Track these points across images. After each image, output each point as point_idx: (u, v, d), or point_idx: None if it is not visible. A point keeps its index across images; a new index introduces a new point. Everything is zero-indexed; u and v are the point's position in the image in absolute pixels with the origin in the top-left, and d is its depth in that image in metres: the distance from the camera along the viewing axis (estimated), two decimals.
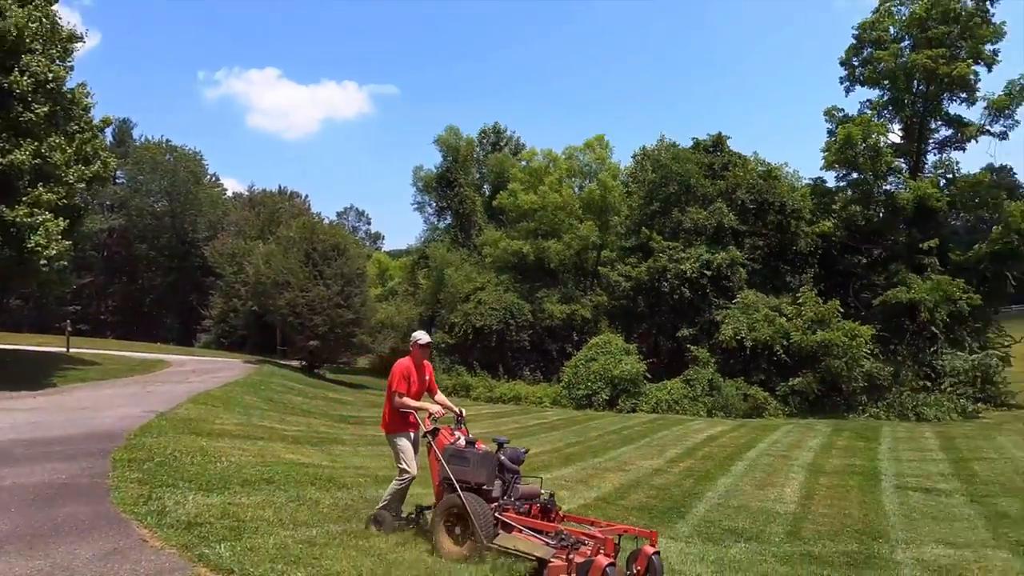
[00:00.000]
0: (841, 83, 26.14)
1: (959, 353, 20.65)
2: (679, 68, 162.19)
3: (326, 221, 35.38)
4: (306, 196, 41.13)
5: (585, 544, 3.96)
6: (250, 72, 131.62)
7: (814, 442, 14.19)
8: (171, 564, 3.37)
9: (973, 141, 24.24)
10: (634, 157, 32.36)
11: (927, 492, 9.45)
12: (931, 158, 25.31)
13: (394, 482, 5.09)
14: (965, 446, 13.62)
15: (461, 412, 5.18)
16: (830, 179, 26.84)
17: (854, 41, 25.12)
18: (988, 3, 22.38)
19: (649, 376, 22.36)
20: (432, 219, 39.49)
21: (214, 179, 48.66)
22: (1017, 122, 23.36)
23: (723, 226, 24.16)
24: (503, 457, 4.70)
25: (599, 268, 29.71)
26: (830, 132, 25.57)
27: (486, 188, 38.52)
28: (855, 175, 25.00)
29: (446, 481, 4.58)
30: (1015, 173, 62.79)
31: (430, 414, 4.95)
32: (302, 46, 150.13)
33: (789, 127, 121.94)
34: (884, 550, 6.61)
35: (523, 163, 32.69)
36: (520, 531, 4.23)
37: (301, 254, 22.76)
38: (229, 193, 52.12)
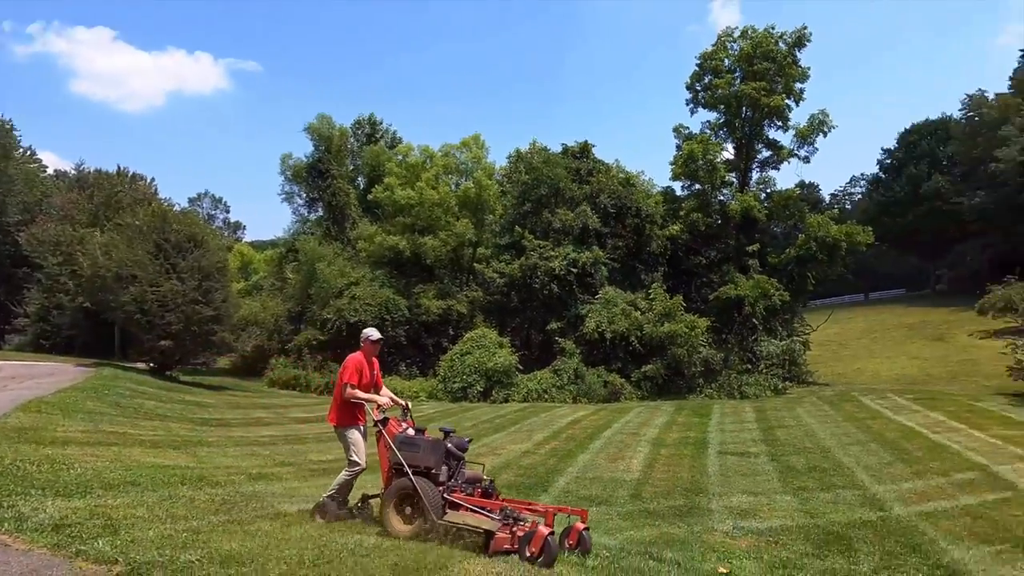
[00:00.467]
0: (687, 104, 29.72)
1: (772, 340, 24.67)
2: (554, 76, 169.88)
3: (177, 208, 32.07)
4: (152, 179, 36.74)
5: (526, 520, 4.53)
6: (75, 30, 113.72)
7: (659, 420, 16.23)
8: (44, 562, 3.34)
9: (786, 162, 29.03)
10: (509, 158, 33.63)
11: (741, 455, 11.45)
12: (755, 175, 29.80)
13: (343, 473, 5.30)
14: (773, 417, 16.44)
15: (407, 405, 5.53)
16: (677, 188, 30.48)
17: (697, 68, 28.71)
18: (797, 50, 26.98)
19: (521, 368, 23.68)
20: (302, 210, 37.62)
21: (28, 153, 41.55)
22: (817, 149, 28.45)
23: (588, 228, 26.22)
24: (449, 445, 5.03)
25: (475, 264, 30.56)
26: (677, 147, 28.91)
27: (361, 181, 37.56)
28: (697, 186, 28.56)
29: (396, 466, 4.90)
30: (820, 189, 74.63)
31: (379, 405, 5.25)
32: (143, 5, 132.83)
33: (647, 139, 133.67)
34: (703, 502, 8.08)
35: (400, 158, 32.43)
36: (467, 509, 4.68)
37: (150, 245, 20.59)
38: (50, 171, 44.94)
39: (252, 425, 14.78)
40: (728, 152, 29.22)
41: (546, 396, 22.52)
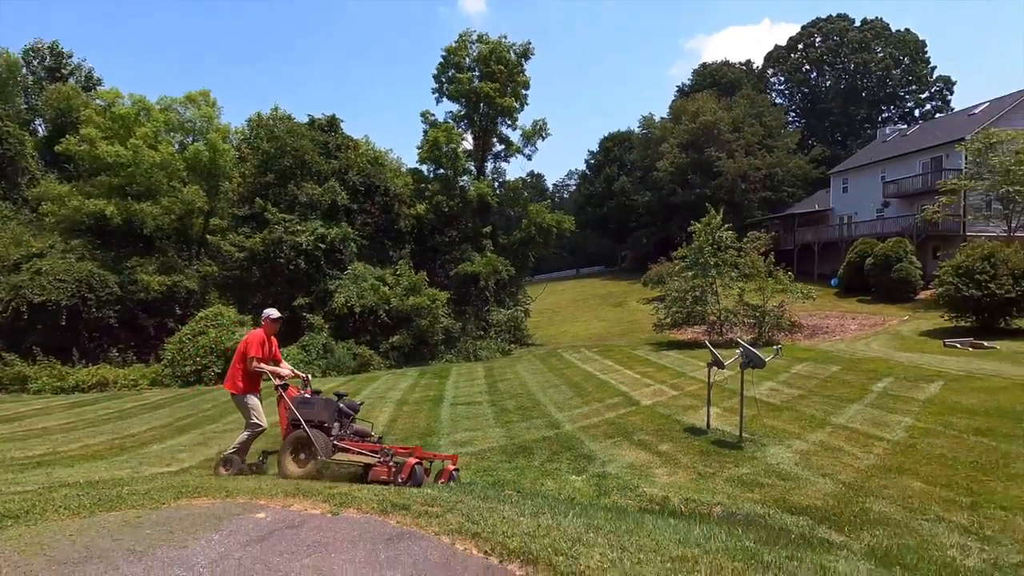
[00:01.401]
0: (433, 93, 31.86)
1: (501, 310, 28.87)
2: (302, 45, 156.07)
3: None
4: None
5: (401, 459, 5.63)
6: None
7: (404, 384, 18.04)
8: None
9: (514, 157, 33.65)
10: (249, 123, 31.10)
11: (468, 404, 13.91)
12: (490, 165, 33.78)
13: (244, 433, 6.14)
14: (498, 374, 19.78)
15: (307, 377, 6.40)
16: (424, 170, 32.57)
17: (442, 61, 31.00)
18: (523, 60, 31.46)
19: None
20: None
21: None
22: (537, 149, 33.80)
23: (337, 204, 26.36)
24: (342, 404, 6.05)
25: (207, 236, 27.76)
26: (424, 132, 30.92)
27: (41, 127, 30.01)
28: (441, 170, 31.06)
29: (294, 422, 5.76)
30: (545, 179, 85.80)
31: (280, 375, 6.13)
32: None
33: (396, 119, 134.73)
34: (434, 440, 10.00)
35: (102, 104, 27.05)
36: (354, 452, 5.72)
37: None
38: None
39: None
40: (468, 142, 32.46)
41: None
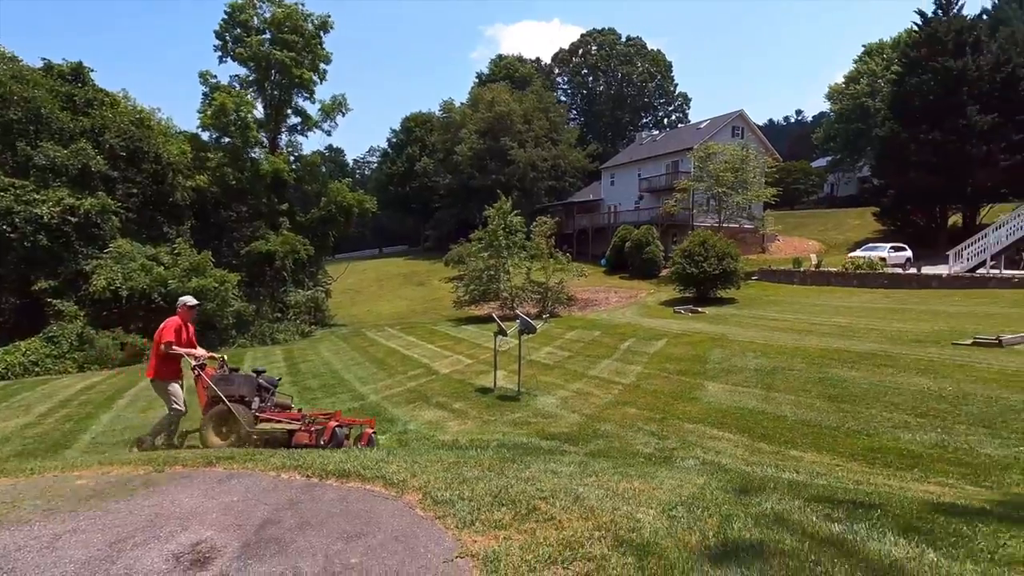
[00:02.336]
0: (215, 51, 28.72)
1: (300, 291, 27.86)
2: None
3: None
4: None
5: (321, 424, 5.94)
6: None
7: (187, 372, 16.71)
8: None
9: (312, 131, 32.23)
10: None
11: None
12: (284, 138, 31.82)
13: (165, 416, 6.38)
14: (298, 356, 19.46)
15: (224, 358, 6.80)
16: (205, 137, 29.26)
17: (226, 17, 28.01)
18: (322, 32, 30.12)
19: None
20: None
21: None
22: (336, 125, 32.88)
23: (90, 169, 22.42)
24: (261, 380, 6.43)
25: None
26: (205, 95, 27.76)
27: None
28: (227, 140, 28.34)
29: (215, 399, 6.07)
30: (345, 154, 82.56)
31: (195, 356, 6.39)
32: None
33: (162, 73, 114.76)
34: None
35: None
36: (275, 421, 6.05)
37: None
38: None
39: None
40: (259, 112, 30.09)
41: (37, 369, 18.83)
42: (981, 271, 22.13)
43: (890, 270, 25.03)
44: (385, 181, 63.52)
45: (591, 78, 71.01)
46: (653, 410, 8.75)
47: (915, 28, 33.55)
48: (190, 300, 6.94)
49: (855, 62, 56.23)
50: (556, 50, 73.83)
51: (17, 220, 20.26)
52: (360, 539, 2.73)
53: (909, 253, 28.36)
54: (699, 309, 22.09)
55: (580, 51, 70.33)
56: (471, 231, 29.84)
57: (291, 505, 3.17)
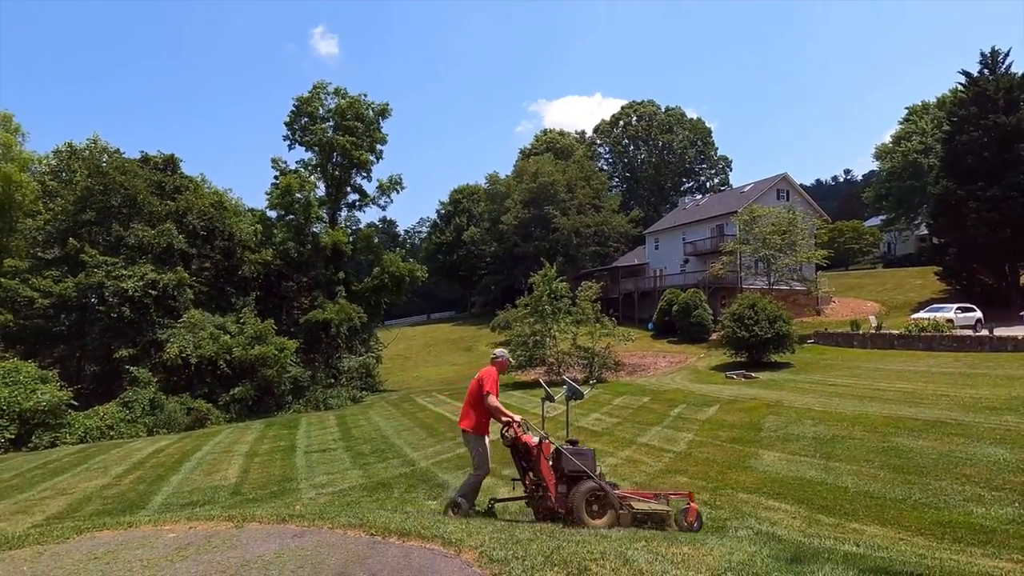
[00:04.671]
0: (284, 140, 31.66)
1: (352, 356, 28.81)
2: (128, 69, 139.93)
3: None
4: None
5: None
6: None
7: (251, 437, 17.43)
8: None
9: (368, 207, 34.43)
10: (56, 153, 27.84)
11: (323, 452, 14.17)
12: (344, 213, 34.05)
13: (472, 476, 5.89)
14: (351, 421, 19.96)
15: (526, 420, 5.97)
16: (272, 215, 31.74)
17: (294, 110, 31.09)
18: (381, 118, 32.86)
19: (76, 403, 20.27)
20: None
21: None
22: (392, 200, 34.97)
23: (172, 247, 24.65)
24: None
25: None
26: (275, 178, 30.35)
27: None
28: (291, 217, 30.61)
29: (574, 475, 5.39)
30: (398, 225, 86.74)
31: (513, 418, 5.65)
32: None
33: (235, 158, 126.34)
34: (293, 485, 10.37)
35: None
36: (638, 500, 5.58)
37: None
38: None
39: None
40: (320, 190, 32.53)
41: (112, 433, 20.04)
42: None
43: (958, 332, 23.70)
44: (434, 250, 66.00)
45: (632, 147, 73.08)
46: (705, 479, 8.58)
47: (960, 88, 33.34)
48: (505, 352, 6.40)
49: (900, 122, 55.84)
50: (596, 123, 76.86)
51: (107, 294, 22.30)
52: None
53: (979, 314, 26.81)
54: (752, 374, 21.46)
55: (621, 122, 72.90)
56: (517, 297, 30.47)
57: (359, 560, 3.44)
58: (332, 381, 27.36)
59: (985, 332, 23.15)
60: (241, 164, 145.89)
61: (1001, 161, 29.33)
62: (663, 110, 71.24)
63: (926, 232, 45.12)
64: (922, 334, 23.51)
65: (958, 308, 27.02)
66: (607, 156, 74.59)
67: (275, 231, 30.36)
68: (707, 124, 72.22)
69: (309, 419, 21.65)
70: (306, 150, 31.55)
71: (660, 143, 70.30)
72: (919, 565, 3.87)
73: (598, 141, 74.71)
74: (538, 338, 25.48)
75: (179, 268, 24.56)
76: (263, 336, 24.52)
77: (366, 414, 21.43)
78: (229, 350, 23.63)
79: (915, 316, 26.65)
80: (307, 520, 4.28)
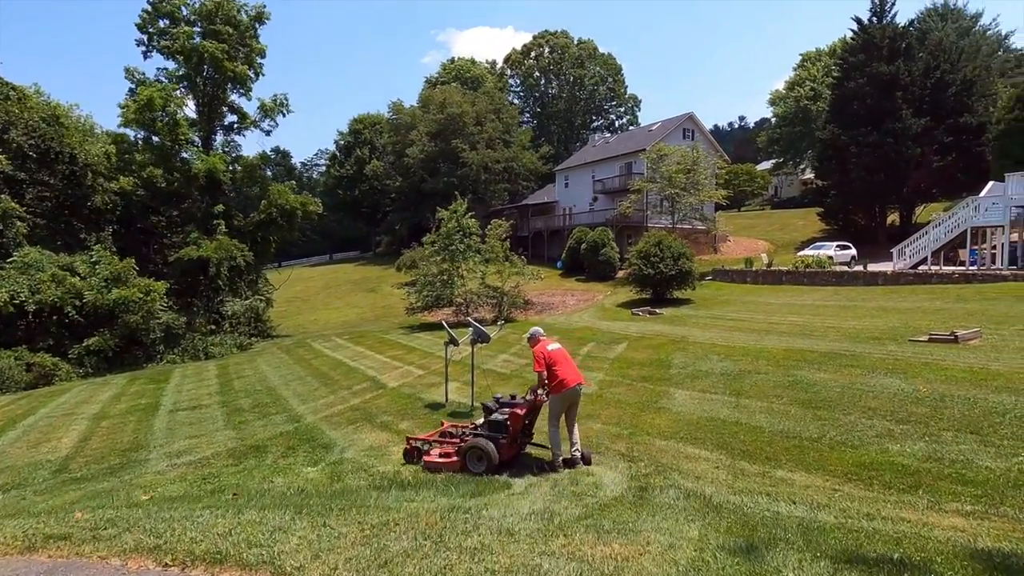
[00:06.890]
0: (138, 45, 26.41)
1: (237, 300, 25.91)
2: None
3: None
4: None
5: None
6: None
7: (106, 395, 14.94)
8: None
9: (249, 131, 30.21)
10: None
11: (193, 409, 12.27)
12: (220, 138, 29.70)
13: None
14: (233, 371, 17.83)
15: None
16: (132, 135, 26.88)
17: (150, 8, 25.82)
18: (257, 24, 28.22)
19: None
20: None
21: None
22: (277, 124, 30.97)
23: None
24: None
25: None
26: (131, 91, 25.51)
27: None
28: (155, 139, 26.13)
29: None
30: (292, 157, 79.61)
31: None
32: None
33: (83, 67, 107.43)
34: (142, 455, 8.61)
35: None
36: None
37: None
38: None
39: None
40: (190, 109, 27.98)
41: None
42: (923, 268, 22.73)
43: (838, 268, 25.48)
44: (334, 184, 61.23)
45: (543, 81, 70.85)
46: (620, 424, 7.99)
47: (852, 34, 34.66)
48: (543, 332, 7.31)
49: (795, 69, 58.25)
50: (508, 52, 73.41)
51: None
52: None
53: (854, 251, 29.08)
54: (657, 310, 21.71)
55: (533, 53, 70.05)
56: (423, 235, 28.66)
57: None
58: (214, 328, 24.52)
59: (860, 268, 25.07)
60: (97, 80, 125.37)
61: (881, 109, 31.14)
62: (575, 42, 69.20)
63: (811, 176, 48.21)
64: (807, 270, 25.01)
65: (837, 246, 29.11)
66: (518, 89, 71.94)
67: (135, 155, 25.82)
68: (617, 61, 71.39)
69: (184, 371, 19.18)
70: (166, 58, 26.66)
71: (572, 78, 68.68)
72: (883, 537, 3.23)
73: (509, 72, 71.62)
74: (446, 277, 24.17)
75: (4, 196, 20.16)
76: (123, 277, 21.09)
77: (253, 363, 19.33)
78: (79, 294, 20.10)
79: (800, 254, 28.36)
80: (71, 544, 2.86)
